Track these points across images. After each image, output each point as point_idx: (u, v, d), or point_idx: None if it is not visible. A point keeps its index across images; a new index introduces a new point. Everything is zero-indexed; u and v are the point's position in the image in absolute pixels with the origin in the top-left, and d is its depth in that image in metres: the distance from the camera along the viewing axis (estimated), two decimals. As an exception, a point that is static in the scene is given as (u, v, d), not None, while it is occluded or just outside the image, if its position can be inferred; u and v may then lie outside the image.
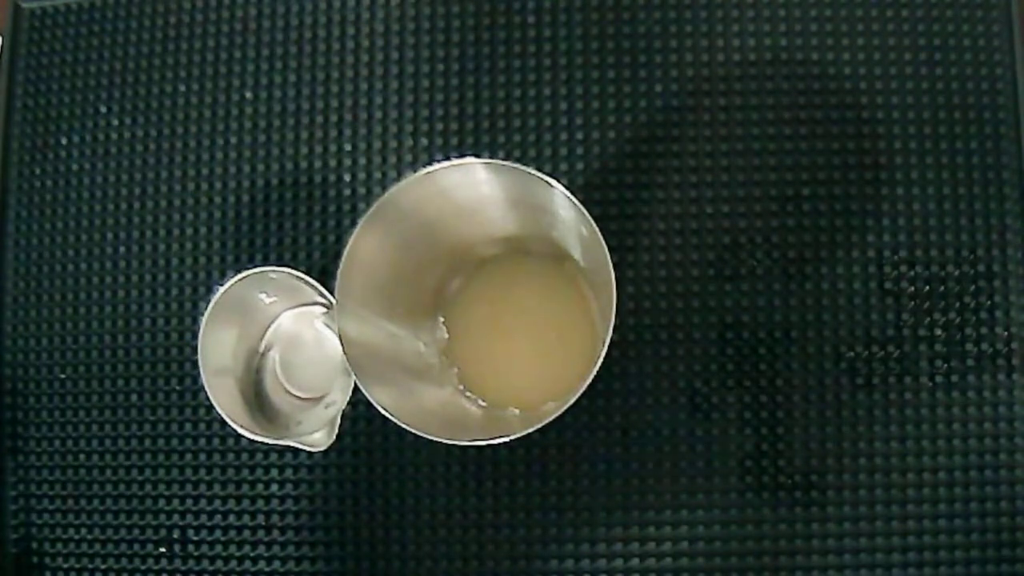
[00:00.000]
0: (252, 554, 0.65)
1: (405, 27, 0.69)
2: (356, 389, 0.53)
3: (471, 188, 0.54)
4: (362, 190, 0.68)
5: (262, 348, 0.66)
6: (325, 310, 0.65)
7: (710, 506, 0.63)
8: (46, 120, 0.71)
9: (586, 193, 0.66)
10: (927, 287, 0.64)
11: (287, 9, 0.70)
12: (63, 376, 0.69)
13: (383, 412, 0.50)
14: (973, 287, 0.64)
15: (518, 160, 0.66)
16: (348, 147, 0.68)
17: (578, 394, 0.49)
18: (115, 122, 0.70)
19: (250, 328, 0.65)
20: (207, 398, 0.59)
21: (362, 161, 0.68)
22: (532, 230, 0.61)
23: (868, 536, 0.62)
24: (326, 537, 0.65)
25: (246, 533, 0.65)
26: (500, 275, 0.65)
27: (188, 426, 0.67)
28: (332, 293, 0.52)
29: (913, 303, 0.64)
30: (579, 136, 0.66)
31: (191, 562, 0.66)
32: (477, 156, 0.51)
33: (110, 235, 0.69)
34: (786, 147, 0.65)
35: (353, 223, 0.53)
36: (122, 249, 0.69)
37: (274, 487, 0.66)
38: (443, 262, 0.63)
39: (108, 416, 0.68)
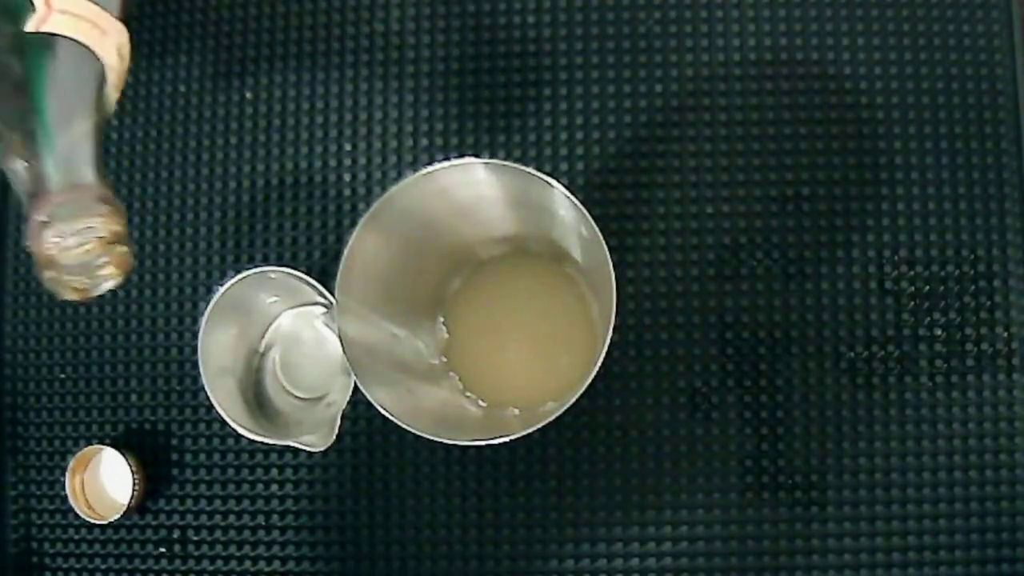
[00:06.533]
0: (252, 554, 0.65)
1: (405, 27, 0.69)
2: (356, 389, 0.53)
3: (471, 188, 0.54)
4: (362, 190, 0.68)
5: (262, 348, 0.66)
6: (325, 310, 0.65)
7: (710, 506, 0.63)
8: (46, 120, 0.71)
9: (586, 193, 0.66)
10: (927, 287, 0.64)
11: (287, 9, 0.70)
12: (63, 376, 0.69)
13: (383, 412, 0.50)
14: (973, 287, 0.63)
15: (518, 160, 0.66)
16: (348, 147, 0.68)
17: (578, 394, 0.49)
18: (115, 122, 0.70)
19: (250, 328, 0.65)
20: (207, 398, 0.59)
21: (362, 161, 0.68)
22: (532, 230, 0.61)
23: (868, 536, 0.62)
24: (326, 537, 0.65)
25: (246, 533, 0.65)
26: (500, 275, 0.65)
27: (188, 426, 0.67)
28: (332, 293, 0.52)
29: (913, 303, 0.64)
30: (579, 136, 0.66)
31: (191, 562, 0.66)
32: (477, 156, 0.51)
33: (110, 235, 0.69)
34: (786, 147, 0.65)
35: (353, 223, 0.53)
36: (122, 249, 0.69)
37: (274, 487, 0.66)
38: (443, 262, 0.63)
39: (108, 416, 0.68)
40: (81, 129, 0.44)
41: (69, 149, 0.43)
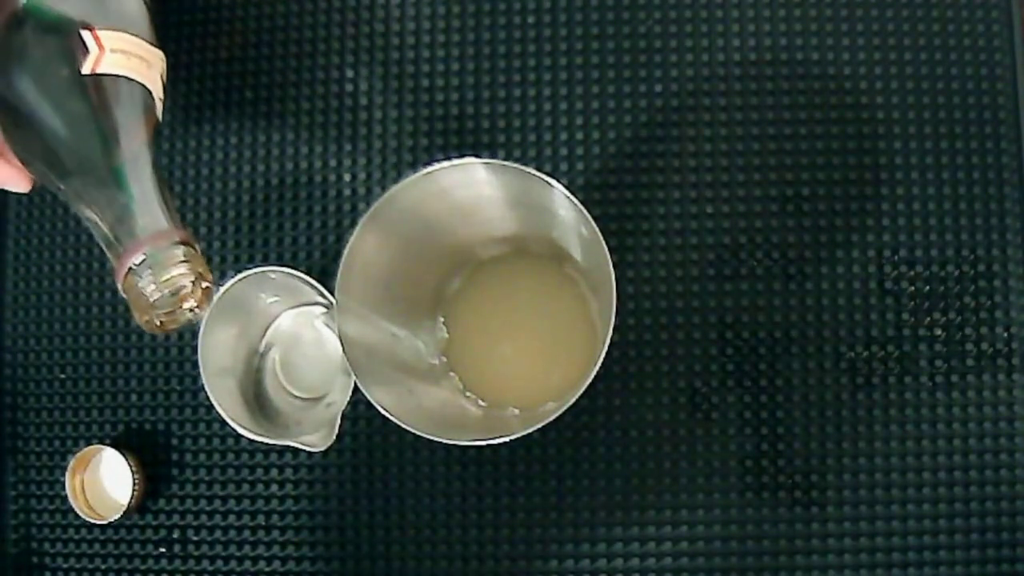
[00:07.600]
0: (252, 554, 0.65)
1: (405, 27, 0.69)
2: (356, 389, 0.53)
3: (471, 188, 0.54)
4: (362, 190, 0.68)
5: (262, 348, 0.66)
6: (325, 310, 0.65)
7: (710, 506, 0.63)
8: (46, 120, 0.71)
9: (586, 193, 0.66)
10: (927, 287, 0.64)
11: (287, 9, 0.70)
12: (63, 376, 0.69)
13: (383, 412, 0.50)
14: (973, 287, 0.64)
15: (518, 160, 0.66)
16: (348, 147, 0.68)
17: (578, 394, 0.49)
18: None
19: (250, 328, 0.65)
20: (207, 398, 0.59)
21: (362, 161, 0.68)
22: (532, 230, 0.61)
23: (868, 536, 0.62)
24: (326, 537, 0.65)
25: (246, 533, 0.65)
26: (500, 275, 0.65)
27: (188, 426, 0.67)
28: (332, 293, 0.52)
29: (913, 303, 0.64)
30: (579, 136, 0.66)
31: (191, 562, 0.66)
32: (477, 156, 0.51)
33: (110, 235, 0.69)
34: (786, 147, 0.65)
35: (353, 223, 0.53)
36: (122, 249, 0.69)
37: (274, 487, 0.66)
38: (443, 262, 0.63)
39: (108, 416, 0.68)
40: (148, 168, 0.45)
41: (143, 192, 0.44)
